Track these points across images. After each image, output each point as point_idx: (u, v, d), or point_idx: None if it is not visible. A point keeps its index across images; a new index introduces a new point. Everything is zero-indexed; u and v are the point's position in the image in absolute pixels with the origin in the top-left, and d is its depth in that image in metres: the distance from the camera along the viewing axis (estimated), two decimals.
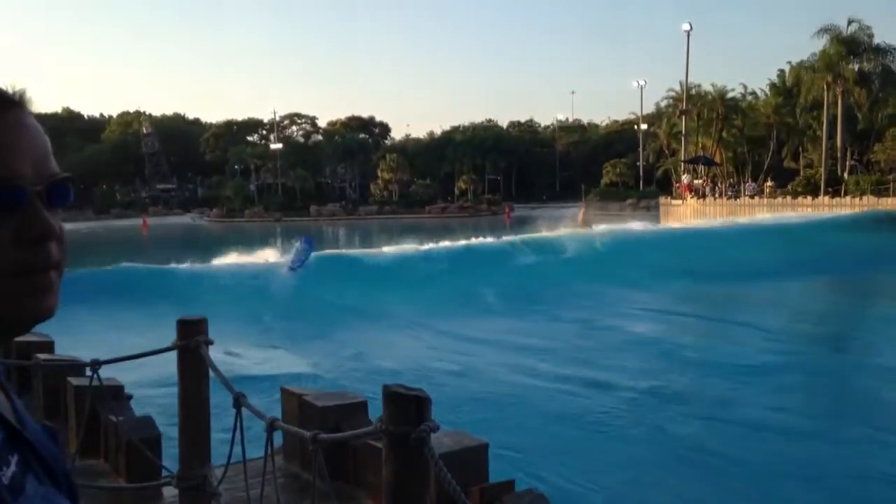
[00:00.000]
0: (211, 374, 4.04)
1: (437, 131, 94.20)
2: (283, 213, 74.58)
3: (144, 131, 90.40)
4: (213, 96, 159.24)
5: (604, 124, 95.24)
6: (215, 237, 26.51)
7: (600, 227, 30.77)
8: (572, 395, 11.37)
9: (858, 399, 11.38)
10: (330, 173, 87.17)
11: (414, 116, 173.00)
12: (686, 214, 46.96)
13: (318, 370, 12.87)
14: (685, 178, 52.09)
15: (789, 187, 48.20)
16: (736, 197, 48.40)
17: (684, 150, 55.55)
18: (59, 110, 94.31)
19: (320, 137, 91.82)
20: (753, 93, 59.45)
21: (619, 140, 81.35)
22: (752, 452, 8.74)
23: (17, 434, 0.75)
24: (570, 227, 30.74)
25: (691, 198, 49.22)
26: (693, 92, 56.72)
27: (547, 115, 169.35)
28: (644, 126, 70.86)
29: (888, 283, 23.69)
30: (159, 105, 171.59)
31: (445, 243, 26.72)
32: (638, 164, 71.37)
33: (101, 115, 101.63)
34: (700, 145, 56.19)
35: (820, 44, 48.17)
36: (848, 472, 8.29)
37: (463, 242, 27.18)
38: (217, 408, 4.29)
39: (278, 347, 15.24)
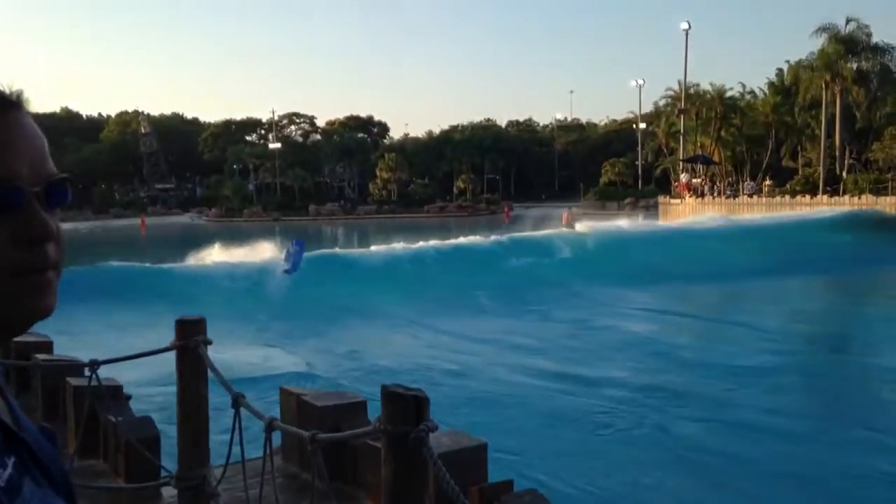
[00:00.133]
0: (210, 374, 4.04)
1: (436, 131, 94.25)
2: (282, 212, 74.52)
3: (143, 131, 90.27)
4: (211, 96, 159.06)
5: (602, 124, 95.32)
6: (212, 237, 26.46)
7: (583, 226, 31.11)
8: (568, 394, 11.38)
9: (855, 399, 11.40)
10: (328, 173, 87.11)
11: (412, 116, 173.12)
12: (685, 213, 46.99)
13: (311, 369, 12.88)
14: (684, 178, 52.13)
15: (788, 186, 48.24)
16: (735, 196, 48.44)
17: (683, 149, 55.57)
18: (58, 110, 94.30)
19: (319, 137, 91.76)
20: (752, 92, 59.58)
21: (617, 139, 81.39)
22: (752, 453, 8.75)
23: (14, 436, 0.75)
24: (556, 228, 31.18)
25: (690, 197, 49.24)
26: (691, 91, 56.75)
27: (545, 114, 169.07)
28: (643, 125, 70.93)
29: (871, 281, 23.92)
30: (158, 105, 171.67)
31: (434, 242, 26.88)
32: (636, 163, 71.44)
33: (100, 114, 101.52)
34: (699, 144, 56.22)
35: (818, 43, 48.29)
36: (847, 472, 8.30)
37: (451, 241, 27.38)
38: (216, 408, 4.29)
39: (272, 346, 15.25)
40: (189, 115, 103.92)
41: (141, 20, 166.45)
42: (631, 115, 79.00)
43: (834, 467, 8.36)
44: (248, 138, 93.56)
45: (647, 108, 72.34)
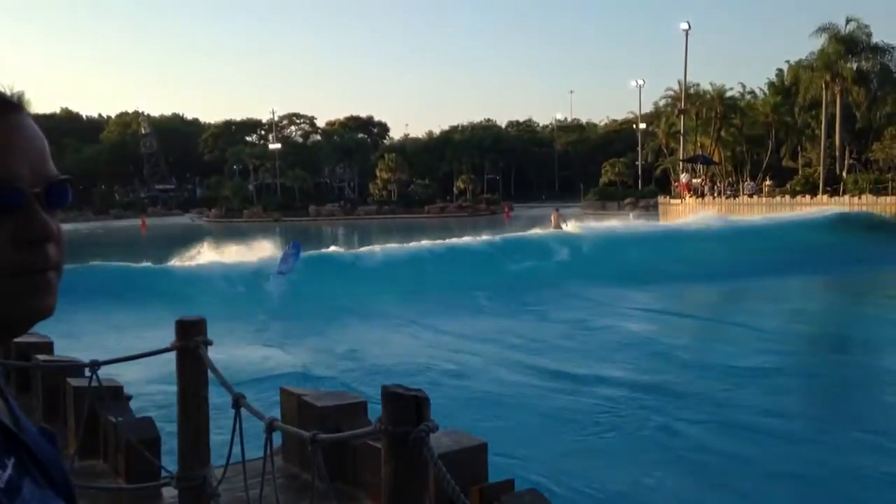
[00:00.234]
0: (210, 374, 4.05)
1: (436, 131, 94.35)
2: (282, 213, 74.53)
3: (143, 132, 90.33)
4: (211, 96, 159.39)
5: (602, 124, 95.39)
6: (212, 237, 26.51)
7: (571, 227, 31.39)
8: (566, 393, 11.39)
9: (855, 399, 11.40)
10: (328, 173, 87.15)
11: (412, 116, 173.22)
12: (685, 213, 46.98)
13: (309, 369, 12.89)
14: (684, 178, 52.11)
15: (788, 186, 48.22)
16: (735, 196, 48.43)
17: (683, 149, 55.56)
18: (58, 111, 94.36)
19: (319, 137, 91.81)
20: (752, 92, 59.58)
21: (617, 139, 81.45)
22: (752, 453, 8.75)
23: (14, 437, 0.75)
24: (544, 229, 31.58)
25: (690, 197, 49.23)
26: (691, 91, 56.74)
27: (545, 114, 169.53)
28: (643, 125, 70.94)
29: (849, 282, 24.12)
30: (158, 105, 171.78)
31: (426, 242, 27.05)
32: (636, 163, 71.46)
33: (100, 115, 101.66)
34: (699, 144, 56.21)
35: (818, 43, 48.26)
36: (848, 472, 8.30)
37: (443, 241, 27.57)
38: (216, 408, 4.29)
39: (271, 346, 15.26)
40: (189, 115, 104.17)
41: (141, 20, 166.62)
42: (631, 116, 79.09)
43: (834, 468, 8.36)
44: (248, 139, 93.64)
45: (647, 108, 72.50)
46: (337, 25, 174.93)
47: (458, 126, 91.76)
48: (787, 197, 44.77)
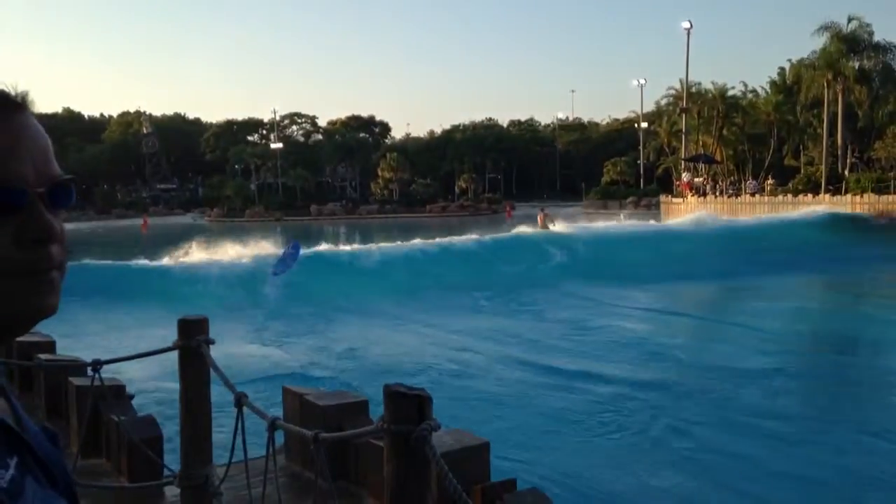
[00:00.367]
0: (212, 373, 4.05)
1: (438, 130, 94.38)
2: (284, 212, 74.57)
3: (145, 131, 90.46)
4: (213, 96, 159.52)
5: (604, 123, 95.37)
6: (213, 237, 26.60)
7: (559, 227, 31.71)
8: (565, 391, 11.40)
9: (857, 399, 11.40)
10: (330, 173, 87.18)
11: (414, 115, 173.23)
12: (687, 213, 46.94)
13: (300, 368, 12.91)
14: (686, 177, 52.07)
15: (790, 185, 48.17)
16: (737, 195, 48.39)
17: (685, 148, 55.53)
18: (60, 110, 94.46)
19: (320, 137, 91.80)
20: (754, 91, 59.49)
21: (619, 138, 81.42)
22: (755, 453, 8.74)
23: (17, 436, 0.75)
24: (531, 229, 31.94)
25: (692, 196, 49.19)
26: (693, 90, 56.69)
27: (547, 113, 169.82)
28: (644, 124, 70.87)
29: (834, 280, 24.13)
30: (159, 105, 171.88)
31: (417, 241, 27.25)
32: (638, 162, 71.40)
33: (102, 115, 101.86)
34: (700, 143, 56.17)
35: (820, 41, 48.20)
36: (852, 472, 8.29)
37: (434, 241, 27.78)
38: (218, 407, 4.29)
39: (271, 345, 15.29)
40: (191, 115, 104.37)
41: (143, 20, 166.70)
42: (633, 115, 79.03)
43: (836, 467, 8.36)
44: (249, 138, 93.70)
45: (649, 107, 72.40)
46: (338, 25, 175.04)
47: (459, 125, 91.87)
48: (790, 196, 44.72)
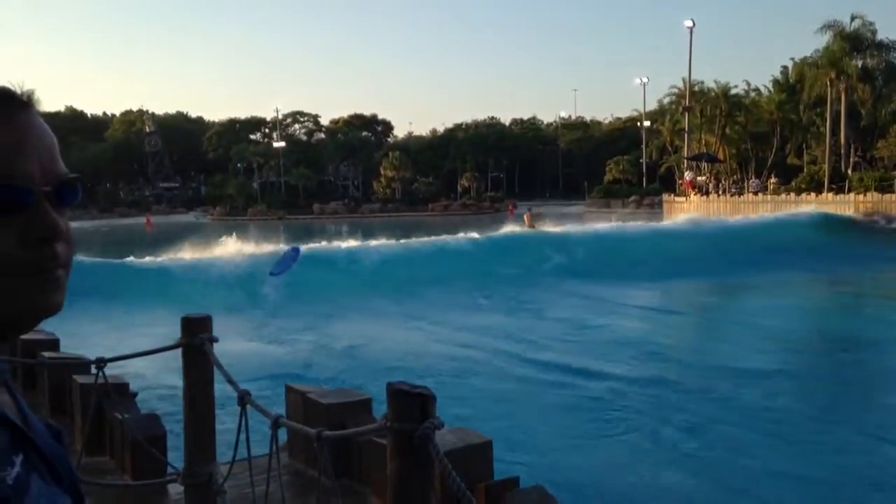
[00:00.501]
0: (216, 371, 4.06)
1: (440, 129, 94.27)
2: (286, 211, 74.61)
3: (147, 130, 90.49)
4: (215, 95, 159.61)
5: (607, 122, 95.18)
6: (216, 235, 26.70)
7: (546, 227, 32.19)
8: (565, 387, 11.42)
9: (857, 397, 11.39)
10: (333, 171, 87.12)
11: (416, 114, 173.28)
12: (689, 211, 46.90)
13: (309, 368, 12.93)
14: (688, 175, 52.00)
15: (793, 184, 48.10)
16: (740, 193, 48.32)
17: (687, 146, 55.45)
18: (62, 109, 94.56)
19: (323, 135, 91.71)
20: (756, 89, 59.34)
21: (621, 137, 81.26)
22: (757, 453, 8.74)
23: (22, 434, 0.75)
24: (519, 227, 32.34)
25: (695, 195, 49.15)
26: (696, 89, 56.60)
27: (549, 112, 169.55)
28: (647, 123, 70.78)
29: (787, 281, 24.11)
30: (162, 104, 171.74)
31: (407, 240, 27.50)
32: (641, 161, 71.27)
33: (104, 113, 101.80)
34: (703, 142, 56.09)
35: (823, 40, 48.10)
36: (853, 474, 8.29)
37: (425, 239, 28.00)
38: (222, 405, 4.30)
39: (273, 343, 15.32)
40: (193, 114, 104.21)
41: (145, 19, 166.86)
42: (635, 113, 78.88)
43: (838, 467, 8.35)
44: (252, 137, 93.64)
45: (652, 105, 72.35)
46: (341, 24, 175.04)
47: (461, 124, 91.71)
48: (793, 195, 44.66)
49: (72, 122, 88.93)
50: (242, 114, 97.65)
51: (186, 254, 24.46)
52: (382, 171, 79.69)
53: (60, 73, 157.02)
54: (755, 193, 46.84)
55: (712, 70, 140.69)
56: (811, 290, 22.38)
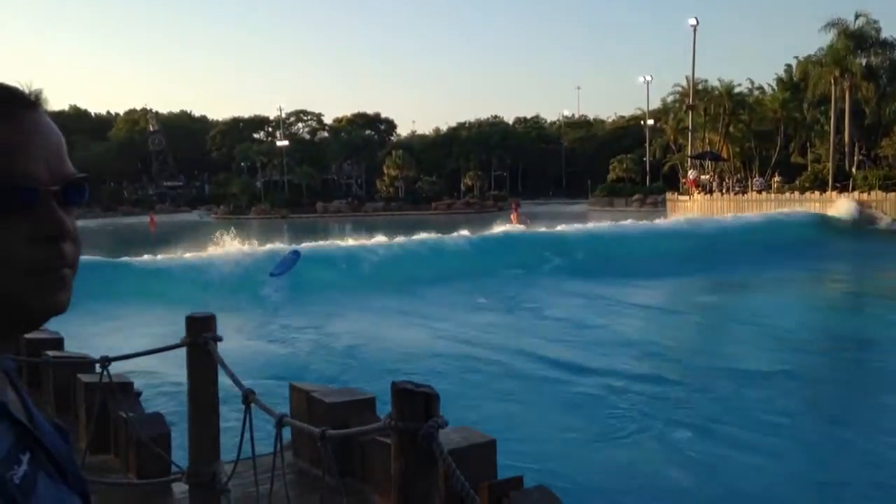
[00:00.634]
0: (220, 370, 4.06)
1: (443, 128, 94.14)
2: (290, 209, 74.63)
3: (151, 129, 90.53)
4: (219, 94, 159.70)
5: (610, 120, 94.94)
6: (220, 234, 26.79)
7: (529, 226, 32.90)
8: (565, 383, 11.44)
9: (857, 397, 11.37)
10: (336, 170, 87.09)
11: (420, 113, 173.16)
12: (693, 210, 46.86)
13: (309, 367, 12.96)
14: (692, 174, 51.92)
15: (797, 182, 48.01)
16: (743, 192, 48.23)
17: (691, 145, 55.36)
18: (66, 108, 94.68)
19: (326, 134, 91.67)
20: (760, 88, 59.27)
21: (625, 136, 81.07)
22: (760, 453, 8.73)
23: (28, 433, 0.75)
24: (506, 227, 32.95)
25: (698, 193, 49.08)
26: (699, 87, 56.51)
27: (553, 111, 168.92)
28: (650, 122, 70.65)
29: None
30: (166, 103, 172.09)
31: (401, 238, 27.57)
32: (644, 159, 71.16)
33: (108, 112, 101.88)
34: (707, 141, 56.00)
35: (827, 38, 48.01)
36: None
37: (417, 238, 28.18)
38: (226, 404, 4.31)
39: (275, 342, 15.34)
40: (197, 112, 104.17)
41: (149, 18, 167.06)
42: (639, 112, 78.74)
43: (839, 467, 8.34)
44: (255, 136, 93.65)
45: (655, 104, 72.22)
46: (344, 22, 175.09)
47: (465, 123, 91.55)
48: (797, 193, 44.58)
49: (76, 121, 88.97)
50: (246, 113, 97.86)
51: (190, 253, 24.47)
52: (386, 170, 79.67)
53: (64, 72, 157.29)
54: (759, 192, 46.75)
55: (716, 68, 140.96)
56: (811, 290, 22.34)
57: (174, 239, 29.76)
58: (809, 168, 50.98)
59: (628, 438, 9.33)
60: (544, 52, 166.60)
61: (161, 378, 10.26)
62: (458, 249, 26.48)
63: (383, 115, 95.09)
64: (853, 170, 46.37)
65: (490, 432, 4.59)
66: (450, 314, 17.89)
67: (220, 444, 4.21)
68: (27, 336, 6.39)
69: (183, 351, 4.14)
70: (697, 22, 54.50)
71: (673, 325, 17.18)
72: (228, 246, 25.04)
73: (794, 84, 54.23)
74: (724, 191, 49.34)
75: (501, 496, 4.10)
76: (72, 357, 6.69)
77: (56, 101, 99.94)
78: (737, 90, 56.74)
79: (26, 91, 0.77)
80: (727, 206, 45.18)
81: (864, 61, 47.59)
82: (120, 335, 14.54)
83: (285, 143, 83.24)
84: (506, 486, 4.16)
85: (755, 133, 55.78)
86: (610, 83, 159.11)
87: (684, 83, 58.19)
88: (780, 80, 56.65)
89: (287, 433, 4.64)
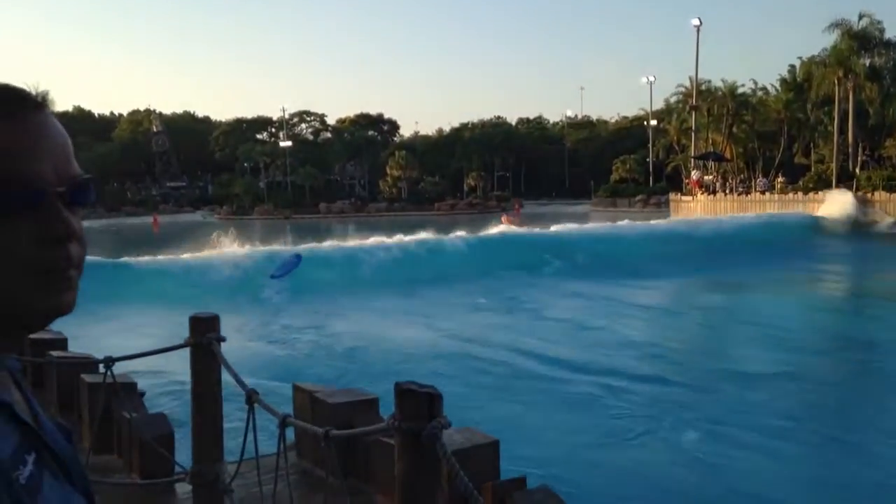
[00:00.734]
0: (223, 370, 4.07)
1: (446, 128, 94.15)
2: (293, 210, 74.68)
3: (154, 129, 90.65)
4: (222, 94, 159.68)
5: (613, 121, 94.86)
6: (222, 235, 26.88)
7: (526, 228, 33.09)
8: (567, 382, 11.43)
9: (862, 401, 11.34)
10: (339, 171, 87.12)
11: (422, 114, 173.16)
12: (696, 210, 46.81)
13: (311, 366, 12.98)
14: (695, 174, 51.85)
15: (801, 183, 47.94)
16: (747, 193, 48.16)
17: (694, 146, 55.29)
18: (70, 109, 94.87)
19: (329, 135, 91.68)
20: (764, 88, 59.15)
21: (628, 136, 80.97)
22: (763, 453, 8.72)
23: (33, 433, 0.76)
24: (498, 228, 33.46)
25: (702, 194, 49.02)
26: (703, 87, 56.43)
27: (556, 111, 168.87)
28: (654, 122, 70.54)
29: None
30: (169, 103, 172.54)
31: (399, 238, 27.65)
32: (648, 160, 71.08)
33: (112, 113, 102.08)
34: (710, 141, 55.92)
35: (831, 39, 47.93)
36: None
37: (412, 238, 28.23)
38: (229, 404, 4.31)
39: (276, 342, 15.35)
40: (200, 113, 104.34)
41: (152, 19, 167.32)
42: (642, 112, 78.67)
43: (842, 468, 8.32)
44: (258, 136, 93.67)
45: (658, 104, 72.10)
46: (347, 23, 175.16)
47: (468, 123, 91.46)
48: (800, 194, 44.50)
49: (79, 122, 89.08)
50: (249, 113, 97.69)
51: (193, 253, 24.52)
52: (389, 171, 79.67)
53: (68, 73, 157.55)
54: (762, 192, 46.67)
55: (719, 69, 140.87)
56: (811, 290, 22.31)
57: (177, 240, 29.80)
58: (813, 169, 50.89)
59: (632, 440, 9.32)
60: (547, 53, 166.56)
61: (164, 378, 10.27)
62: (458, 250, 26.53)
63: (386, 116, 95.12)
64: (857, 170, 46.29)
65: (493, 433, 4.59)
66: (451, 315, 17.90)
67: (224, 445, 4.21)
68: (31, 336, 6.39)
69: (186, 351, 4.14)
70: (701, 22, 54.46)
71: (674, 325, 17.16)
72: (230, 247, 25.12)
73: (797, 85, 54.12)
74: (727, 191, 49.27)
75: (505, 497, 4.10)
76: (76, 357, 6.71)
77: (60, 102, 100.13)
78: (740, 91, 56.67)
79: (33, 92, 0.77)
80: (730, 206, 45.10)
81: (867, 62, 47.51)
82: (123, 335, 14.56)
83: (288, 143, 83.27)
84: (509, 487, 4.16)
85: (759, 134, 55.69)
86: (613, 84, 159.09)
87: (688, 84, 58.17)
88: (783, 81, 56.54)
89: (290, 433, 4.65)
